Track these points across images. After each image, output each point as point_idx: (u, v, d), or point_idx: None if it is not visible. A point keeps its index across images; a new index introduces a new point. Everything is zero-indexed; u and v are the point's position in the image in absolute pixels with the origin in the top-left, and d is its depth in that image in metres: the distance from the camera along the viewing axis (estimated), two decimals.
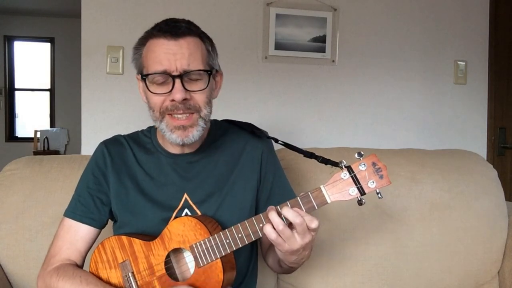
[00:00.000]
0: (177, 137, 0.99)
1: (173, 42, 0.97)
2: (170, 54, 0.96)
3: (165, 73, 0.96)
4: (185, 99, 0.97)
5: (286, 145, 1.10)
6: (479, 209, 1.53)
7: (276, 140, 1.12)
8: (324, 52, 2.13)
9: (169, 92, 0.97)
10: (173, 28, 0.98)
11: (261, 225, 0.91)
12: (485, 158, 2.17)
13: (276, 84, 2.11)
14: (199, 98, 1.00)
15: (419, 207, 1.50)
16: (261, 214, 0.92)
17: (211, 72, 1.01)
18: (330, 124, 2.18)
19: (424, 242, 1.49)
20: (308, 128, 2.16)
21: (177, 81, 0.96)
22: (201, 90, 0.99)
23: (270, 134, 1.16)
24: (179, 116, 0.99)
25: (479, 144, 2.34)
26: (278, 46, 2.09)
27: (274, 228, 0.87)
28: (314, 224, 0.86)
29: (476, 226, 1.51)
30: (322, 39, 2.12)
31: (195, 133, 1.00)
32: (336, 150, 1.60)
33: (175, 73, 0.96)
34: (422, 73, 2.26)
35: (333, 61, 2.15)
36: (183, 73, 0.96)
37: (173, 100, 0.97)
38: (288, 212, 0.86)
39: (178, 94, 0.96)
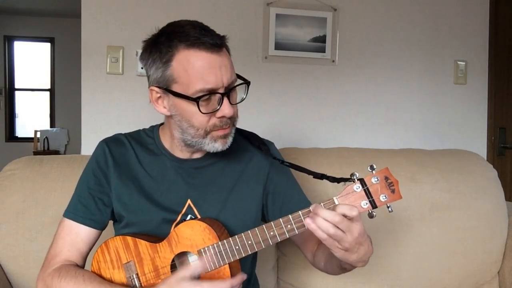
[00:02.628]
0: (219, 145, 0.99)
1: (216, 55, 0.93)
2: (216, 68, 0.93)
3: (214, 91, 0.93)
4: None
5: (293, 166, 1.06)
6: (479, 209, 1.53)
7: (282, 162, 1.08)
8: (324, 52, 2.13)
9: (217, 110, 0.95)
10: (213, 39, 0.93)
11: (271, 233, 0.90)
12: (485, 158, 2.17)
13: (276, 84, 2.11)
14: (236, 109, 1.00)
15: (419, 207, 1.50)
16: (271, 222, 0.91)
17: (249, 82, 1.01)
18: (330, 124, 2.18)
19: (424, 242, 1.49)
20: (308, 128, 2.16)
21: (225, 98, 0.94)
22: (240, 102, 1.00)
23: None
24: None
25: (479, 144, 2.34)
26: (278, 46, 2.09)
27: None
28: (354, 212, 0.84)
29: (476, 226, 1.51)
30: (322, 39, 2.12)
31: (230, 139, 1.01)
32: (336, 150, 1.60)
33: (221, 90, 0.94)
34: (422, 73, 2.26)
35: (333, 61, 2.15)
36: (228, 87, 0.95)
37: (222, 117, 0.95)
38: (324, 213, 0.83)
39: (228, 110, 0.94)
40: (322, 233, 0.84)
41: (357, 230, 0.84)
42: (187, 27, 0.95)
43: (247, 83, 1.00)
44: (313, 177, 1.01)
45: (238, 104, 1.02)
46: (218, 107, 0.94)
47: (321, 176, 1.00)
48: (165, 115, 1.04)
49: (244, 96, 1.01)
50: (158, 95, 1.00)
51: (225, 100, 0.94)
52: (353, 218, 0.84)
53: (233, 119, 0.99)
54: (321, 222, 0.83)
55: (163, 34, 0.97)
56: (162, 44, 0.95)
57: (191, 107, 0.95)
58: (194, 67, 0.93)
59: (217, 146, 0.99)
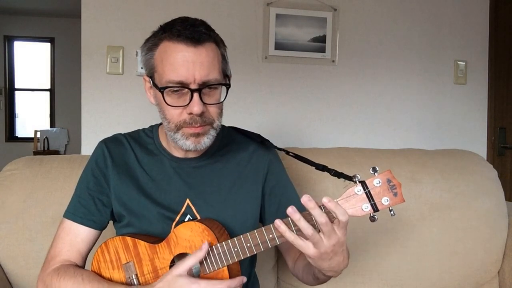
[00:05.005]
0: (191, 143, 0.98)
1: (192, 49, 0.93)
2: (189, 62, 0.92)
3: (183, 85, 0.93)
4: (202, 112, 0.95)
5: (297, 157, 1.06)
6: (479, 209, 1.53)
7: (287, 152, 1.09)
8: (324, 52, 2.13)
9: (186, 105, 0.94)
10: (193, 33, 0.93)
11: (270, 235, 0.89)
12: (485, 158, 2.17)
13: (276, 84, 2.11)
14: (213, 110, 0.98)
15: (419, 207, 1.50)
16: (271, 225, 0.89)
17: (229, 85, 0.99)
18: (330, 124, 2.18)
19: (424, 242, 1.49)
20: (308, 128, 2.16)
21: (196, 94, 0.93)
22: (217, 103, 0.98)
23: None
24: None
25: (479, 144, 2.34)
26: (278, 46, 2.09)
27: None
28: (345, 217, 0.82)
29: (476, 226, 1.51)
30: (322, 39, 2.12)
31: (206, 140, 0.99)
32: (336, 150, 1.60)
33: (193, 86, 0.93)
34: (422, 73, 2.26)
35: (333, 61, 2.15)
36: (201, 84, 0.93)
37: (190, 113, 0.95)
38: (315, 211, 0.82)
39: (196, 107, 0.93)
40: (292, 237, 0.84)
41: (335, 238, 0.83)
42: (178, 20, 0.97)
43: (226, 85, 0.99)
44: (315, 169, 1.02)
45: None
46: (188, 102, 0.94)
47: (323, 168, 1.00)
48: (153, 104, 1.05)
49: (222, 100, 0.99)
50: (149, 84, 1.02)
51: (195, 97, 0.93)
52: (340, 224, 0.83)
53: (207, 118, 0.97)
54: (302, 223, 0.83)
55: (160, 26, 0.99)
56: (154, 35, 0.99)
57: (161, 98, 0.96)
58: (169, 58, 0.94)
59: (189, 144, 0.98)
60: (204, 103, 0.95)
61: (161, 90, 0.94)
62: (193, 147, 0.98)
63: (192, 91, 0.93)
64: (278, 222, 0.85)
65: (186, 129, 0.97)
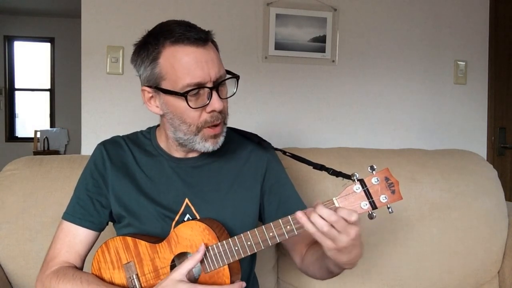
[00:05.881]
0: (210, 145, 0.99)
1: (202, 49, 0.94)
2: (203, 62, 0.94)
3: (202, 85, 0.94)
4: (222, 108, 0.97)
5: (294, 156, 1.07)
6: (479, 209, 1.53)
7: (284, 152, 1.10)
8: (324, 52, 2.13)
9: (206, 104, 0.95)
10: (198, 34, 0.94)
11: (271, 233, 0.90)
12: (485, 158, 2.17)
13: (276, 84, 2.11)
14: (226, 105, 1.01)
15: (419, 207, 1.50)
16: (271, 223, 0.90)
17: (238, 76, 1.01)
18: (330, 124, 2.18)
19: (424, 242, 1.49)
20: (308, 128, 2.16)
21: (214, 91, 0.95)
22: (231, 96, 1.01)
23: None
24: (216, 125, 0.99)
25: (479, 144, 2.34)
26: (278, 46, 2.09)
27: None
28: (354, 217, 0.83)
29: (476, 226, 1.51)
30: (322, 39, 2.12)
31: (222, 139, 1.01)
32: (336, 150, 1.60)
33: (209, 84, 0.94)
34: (422, 73, 2.27)
35: (333, 61, 2.15)
36: (215, 81, 0.95)
37: (212, 111, 0.96)
38: (322, 210, 0.83)
39: (217, 104, 0.95)
40: (314, 229, 0.83)
41: (354, 232, 0.84)
42: (173, 25, 0.97)
43: (236, 77, 1.01)
44: (313, 168, 1.02)
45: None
46: (208, 101, 0.95)
47: (321, 167, 1.01)
48: (158, 114, 1.04)
49: (235, 91, 1.01)
50: (150, 94, 1.01)
51: (214, 94, 0.95)
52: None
53: (223, 114, 0.99)
54: (316, 219, 0.83)
55: (150, 34, 0.99)
56: (150, 43, 0.97)
57: (180, 103, 0.95)
58: (181, 62, 0.94)
59: (208, 146, 0.99)
60: (221, 99, 0.97)
61: (184, 95, 0.94)
62: (212, 148, 1.00)
63: (211, 89, 0.95)
64: (300, 214, 0.84)
65: (206, 130, 0.98)
